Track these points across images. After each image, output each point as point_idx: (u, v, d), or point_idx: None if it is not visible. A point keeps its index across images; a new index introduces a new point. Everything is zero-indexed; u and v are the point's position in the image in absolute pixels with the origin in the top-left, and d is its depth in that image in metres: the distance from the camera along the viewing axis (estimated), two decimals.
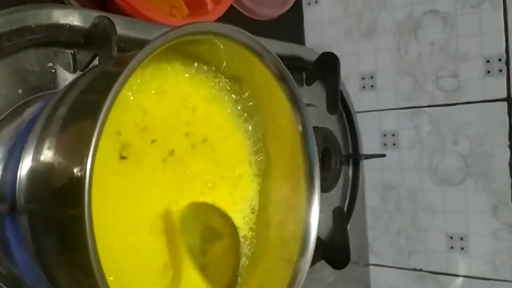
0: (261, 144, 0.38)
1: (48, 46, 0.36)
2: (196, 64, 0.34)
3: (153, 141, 0.32)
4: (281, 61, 0.32)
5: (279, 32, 0.71)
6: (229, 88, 0.36)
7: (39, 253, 0.27)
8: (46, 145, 0.26)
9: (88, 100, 0.26)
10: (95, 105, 0.23)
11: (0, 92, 0.34)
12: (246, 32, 0.30)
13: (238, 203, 0.38)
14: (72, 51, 0.38)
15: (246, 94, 0.37)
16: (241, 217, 0.38)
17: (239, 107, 0.37)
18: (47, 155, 0.26)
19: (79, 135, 0.24)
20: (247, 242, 0.38)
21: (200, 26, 0.28)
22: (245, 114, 0.38)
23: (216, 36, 0.29)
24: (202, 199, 0.35)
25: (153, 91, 0.33)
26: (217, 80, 0.35)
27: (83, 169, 0.22)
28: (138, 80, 0.32)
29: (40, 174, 0.26)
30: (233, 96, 0.37)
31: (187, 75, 0.34)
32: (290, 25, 0.77)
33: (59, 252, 0.25)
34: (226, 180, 0.37)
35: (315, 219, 0.35)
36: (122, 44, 0.40)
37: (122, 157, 0.30)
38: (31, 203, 0.26)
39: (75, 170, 0.22)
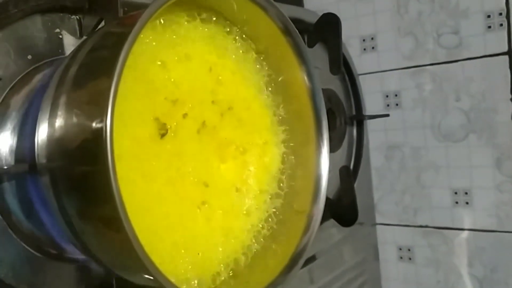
0: (282, 110, 0.39)
1: (54, 12, 0.36)
2: (209, 17, 0.34)
3: (184, 115, 0.33)
4: (284, 14, 0.33)
5: None
6: (246, 46, 0.36)
7: (63, 211, 0.28)
8: (62, 102, 0.27)
9: (103, 55, 0.26)
10: (109, 60, 0.23)
11: (10, 58, 0.34)
12: None
13: (268, 166, 0.39)
14: (77, 17, 0.38)
15: (263, 56, 0.37)
16: (271, 179, 0.39)
17: (260, 72, 0.38)
18: (64, 111, 0.26)
19: (96, 91, 0.25)
20: (277, 202, 0.39)
21: None
22: (266, 79, 0.38)
23: None
24: (235, 162, 0.37)
25: (176, 58, 0.33)
26: (232, 36, 0.35)
27: (104, 120, 0.22)
28: (162, 49, 0.32)
29: (59, 131, 0.26)
30: (254, 59, 0.37)
31: (205, 31, 0.34)
32: None
33: (85, 207, 0.26)
34: (254, 145, 0.38)
35: (325, 170, 0.36)
36: (126, 9, 0.40)
37: (162, 135, 0.31)
38: (52, 161, 0.27)
39: (95, 122, 0.23)
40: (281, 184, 0.38)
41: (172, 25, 0.32)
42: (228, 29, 0.35)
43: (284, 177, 0.38)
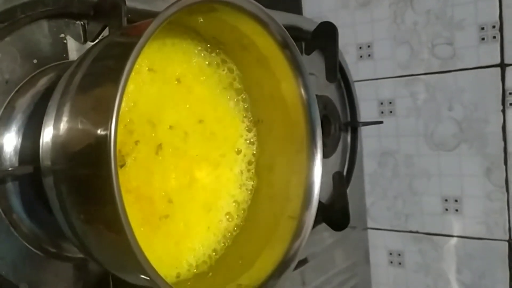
0: (257, 117, 0.41)
1: (59, 18, 0.37)
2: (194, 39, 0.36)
3: (136, 142, 0.34)
4: (285, 29, 0.34)
5: (276, 2, 0.72)
6: (222, 61, 0.38)
7: (65, 211, 0.29)
8: (67, 110, 0.28)
9: (109, 65, 0.28)
10: (115, 70, 0.25)
11: (16, 62, 0.35)
12: (254, 1, 0.31)
13: (238, 177, 0.41)
14: (82, 22, 0.39)
15: (235, 69, 0.39)
16: (240, 189, 0.41)
17: (234, 83, 0.40)
18: (69, 117, 0.27)
19: (101, 99, 0.26)
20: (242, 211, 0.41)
21: None
22: (240, 88, 0.40)
23: (225, 5, 0.31)
24: (209, 178, 0.39)
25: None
26: (208, 53, 0.37)
27: (108, 127, 0.24)
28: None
29: (64, 135, 0.28)
30: (227, 72, 0.39)
31: (183, 51, 0.36)
32: None
33: (87, 209, 0.28)
34: (226, 157, 0.40)
35: (317, 178, 0.37)
36: (129, 15, 0.41)
37: (121, 166, 0.32)
38: (56, 164, 0.28)
39: (100, 130, 0.24)
40: (266, 189, 0.40)
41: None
42: (211, 53, 0.37)
43: (273, 181, 0.40)
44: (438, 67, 0.69)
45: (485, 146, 0.67)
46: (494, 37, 0.65)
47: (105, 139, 0.24)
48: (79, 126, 0.27)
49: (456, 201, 0.70)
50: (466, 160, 0.68)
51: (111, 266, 0.31)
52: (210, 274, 0.36)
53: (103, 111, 0.24)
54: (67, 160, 0.28)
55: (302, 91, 0.37)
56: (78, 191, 0.28)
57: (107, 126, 0.24)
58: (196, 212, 0.38)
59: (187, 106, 0.37)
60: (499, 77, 0.65)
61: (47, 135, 0.29)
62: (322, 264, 0.66)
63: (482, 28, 0.66)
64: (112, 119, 0.24)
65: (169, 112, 0.36)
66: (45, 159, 0.29)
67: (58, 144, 0.28)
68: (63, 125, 0.28)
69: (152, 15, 0.42)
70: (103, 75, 0.27)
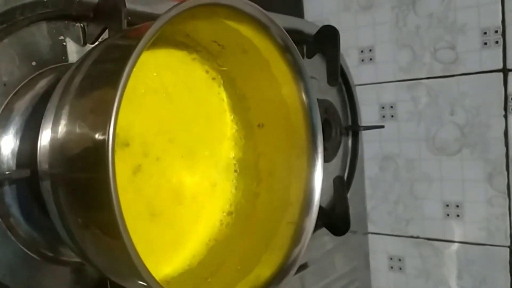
0: (258, 121, 0.41)
1: (59, 20, 0.37)
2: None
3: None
4: (286, 33, 0.34)
5: (278, 5, 0.71)
6: (211, 67, 0.39)
7: (62, 215, 0.29)
8: (66, 112, 0.28)
9: (108, 68, 0.27)
10: (114, 72, 0.24)
11: (15, 64, 0.35)
12: (255, 5, 0.31)
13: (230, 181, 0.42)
14: (81, 25, 0.39)
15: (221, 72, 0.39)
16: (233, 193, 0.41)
17: (221, 85, 0.40)
18: (67, 121, 0.27)
19: (100, 102, 0.25)
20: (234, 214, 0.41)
21: None
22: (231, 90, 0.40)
23: (225, 8, 0.30)
24: (198, 182, 0.39)
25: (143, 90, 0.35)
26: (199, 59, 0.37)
27: (106, 132, 0.23)
28: None
29: (61, 139, 0.27)
30: (215, 76, 0.40)
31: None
32: None
33: (84, 213, 0.27)
34: (215, 162, 0.41)
35: (318, 183, 0.37)
36: (129, 18, 0.40)
37: None
38: (54, 168, 0.28)
39: (98, 134, 0.24)
40: (266, 193, 0.39)
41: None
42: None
43: (273, 185, 0.39)
44: (440, 71, 0.69)
45: (487, 151, 0.66)
46: (497, 42, 0.65)
47: (103, 143, 0.23)
48: (77, 129, 0.26)
49: (457, 206, 0.69)
50: (467, 165, 0.68)
51: (108, 271, 0.31)
52: (209, 279, 0.36)
53: (101, 114, 0.24)
54: (64, 164, 0.27)
55: (303, 96, 0.36)
56: (75, 195, 0.27)
57: (105, 130, 0.23)
58: (186, 217, 0.38)
59: (171, 112, 0.38)
60: (501, 82, 0.65)
61: (45, 138, 0.29)
62: (322, 269, 0.65)
63: (485, 33, 0.65)
64: (110, 123, 0.23)
65: (154, 120, 0.37)
66: (43, 162, 0.29)
67: (56, 148, 0.28)
68: (61, 128, 0.28)
69: (153, 17, 0.42)
70: (102, 78, 0.27)
